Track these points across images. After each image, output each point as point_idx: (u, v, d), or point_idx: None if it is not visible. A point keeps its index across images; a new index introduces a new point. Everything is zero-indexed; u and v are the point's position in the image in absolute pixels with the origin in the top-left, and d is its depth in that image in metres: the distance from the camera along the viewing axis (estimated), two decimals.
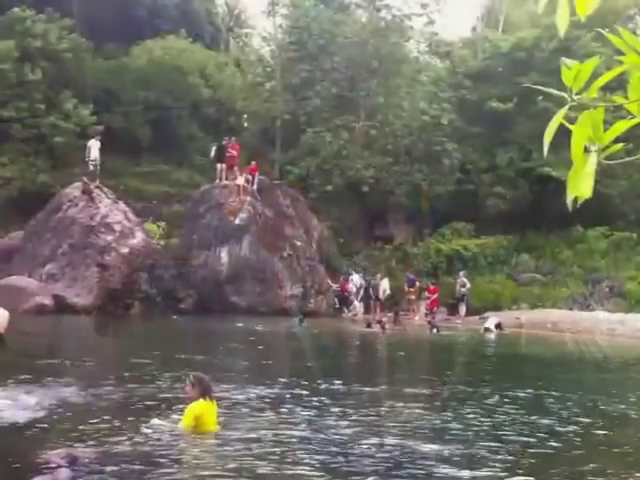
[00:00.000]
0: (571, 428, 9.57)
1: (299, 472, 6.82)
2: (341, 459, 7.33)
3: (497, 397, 11.81)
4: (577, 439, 9.02)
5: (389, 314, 30.27)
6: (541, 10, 2.33)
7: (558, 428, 9.52)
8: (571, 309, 30.76)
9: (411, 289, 31.59)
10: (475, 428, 9.20)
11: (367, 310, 31.37)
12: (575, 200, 2.15)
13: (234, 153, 31.35)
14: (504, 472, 7.11)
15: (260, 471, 6.80)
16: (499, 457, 7.70)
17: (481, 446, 8.15)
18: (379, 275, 32.20)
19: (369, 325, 25.76)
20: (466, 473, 6.99)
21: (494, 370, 17.13)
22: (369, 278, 32.10)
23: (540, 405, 11.41)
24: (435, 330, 25.42)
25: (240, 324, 23.85)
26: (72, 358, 14.14)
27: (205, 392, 8.27)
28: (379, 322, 27.14)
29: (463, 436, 8.66)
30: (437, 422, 9.52)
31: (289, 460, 7.22)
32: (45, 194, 31.11)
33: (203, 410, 8.20)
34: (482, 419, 9.83)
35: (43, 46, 35.94)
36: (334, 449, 7.70)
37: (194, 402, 8.27)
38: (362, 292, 31.38)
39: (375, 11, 40.76)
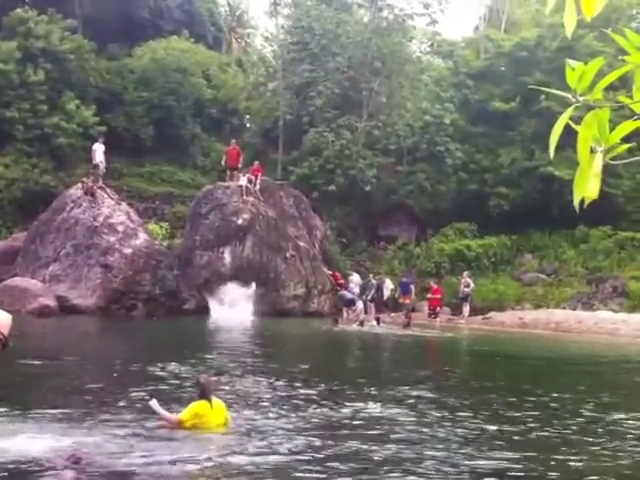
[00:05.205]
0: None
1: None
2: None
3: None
4: None
5: (392, 314, 30.15)
6: (549, 10, 2.32)
7: None
8: (575, 309, 30.70)
9: (405, 295, 30.09)
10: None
11: (367, 310, 31.10)
12: (582, 201, 2.13)
13: (235, 154, 31.39)
14: None
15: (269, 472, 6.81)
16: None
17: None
18: (371, 275, 31.76)
19: (361, 324, 25.72)
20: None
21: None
22: (366, 279, 31.68)
23: None
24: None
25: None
26: (78, 358, 14.12)
27: (203, 393, 8.37)
28: (376, 319, 27.12)
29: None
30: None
31: (294, 463, 7.21)
32: (48, 195, 31.14)
33: (204, 410, 8.29)
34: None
35: (45, 47, 35.95)
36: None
37: (197, 401, 8.40)
38: (365, 292, 31.07)
39: (377, 11, 40.71)
